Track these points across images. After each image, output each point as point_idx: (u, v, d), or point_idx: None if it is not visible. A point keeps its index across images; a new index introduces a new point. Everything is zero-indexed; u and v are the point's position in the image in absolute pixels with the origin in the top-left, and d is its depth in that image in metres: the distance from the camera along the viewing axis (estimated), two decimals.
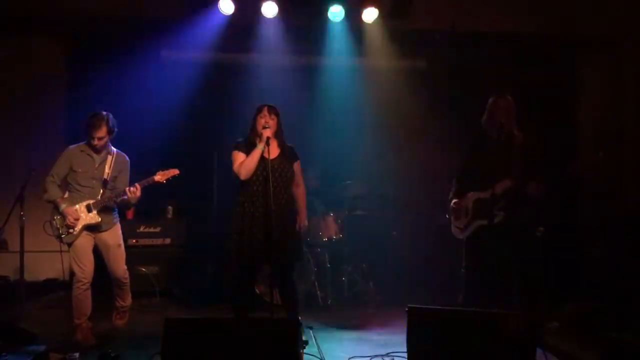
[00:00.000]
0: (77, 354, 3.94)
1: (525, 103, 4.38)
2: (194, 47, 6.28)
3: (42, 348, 3.54)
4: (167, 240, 6.16)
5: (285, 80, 6.28)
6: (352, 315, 5.34)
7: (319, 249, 5.91)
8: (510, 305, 4.05)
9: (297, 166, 4.37)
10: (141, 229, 6.11)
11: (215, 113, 6.49)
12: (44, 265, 6.24)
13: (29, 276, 6.24)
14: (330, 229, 5.89)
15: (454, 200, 4.40)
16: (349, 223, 6.04)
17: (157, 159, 5.69)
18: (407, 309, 3.49)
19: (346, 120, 6.44)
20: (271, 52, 6.33)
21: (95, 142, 4.38)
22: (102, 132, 4.36)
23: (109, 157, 4.53)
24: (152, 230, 6.13)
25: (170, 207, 6.32)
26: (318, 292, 5.68)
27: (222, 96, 6.52)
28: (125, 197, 4.39)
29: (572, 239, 6.30)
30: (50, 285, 6.25)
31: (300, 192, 4.43)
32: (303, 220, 4.41)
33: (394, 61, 6.60)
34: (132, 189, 4.37)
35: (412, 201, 6.51)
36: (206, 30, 6.18)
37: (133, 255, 5.78)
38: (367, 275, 6.02)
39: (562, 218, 5.96)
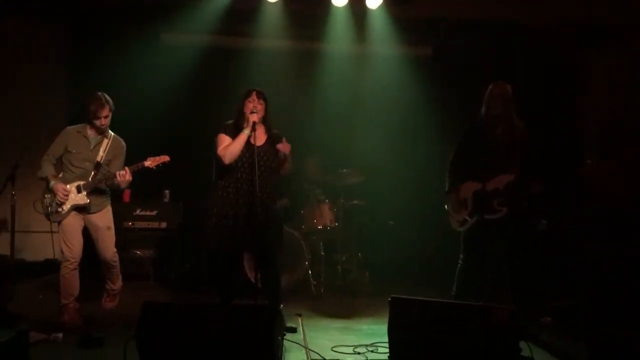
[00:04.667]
0: (60, 335, 3.96)
1: (530, 93, 4.29)
2: (195, 30, 6.23)
3: (23, 328, 3.53)
4: (163, 224, 6.15)
5: (286, 66, 6.23)
6: (343, 305, 5.29)
7: (314, 237, 5.86)
8: (501, 299, 4.00)
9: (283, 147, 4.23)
10: (137, 212, 6.11)
11: (215, 98, 6.43)
12: (44, 245, 6.26)
13: (30, 256, 6.35)
14: (326, 217, 5.83)
15: (451, 193, 4.33)
16: (345, 212, 5.97)
17: (156, 143, 5.71)
18: (389, 299, 3.44)
19: (346, 108, 6.39)
20: (273, 36, 6.25)
21: (102, 122, 4.40)
22: (106, 110, 4.40)
23: (105, 141, 4.54)
24: (148, 213, 6.13)
25: (167, 191, 6.32)
26: (311, 280, 5.63)
27: (223, 81, 6.46)
28: (116, 180, 4.37)
29: (574, 233, 6.17)
30: (51, 265, 6.28)
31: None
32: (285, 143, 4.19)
33: (398, 49, 6.50)
34: (122, 172, 4.36)
35: (412, 191, 6.43)
36: (207, 14, 6.11)
37: (128, 238, 5.89)
38: (361, 265, 5.96)
39: (564, 211, 5.85)
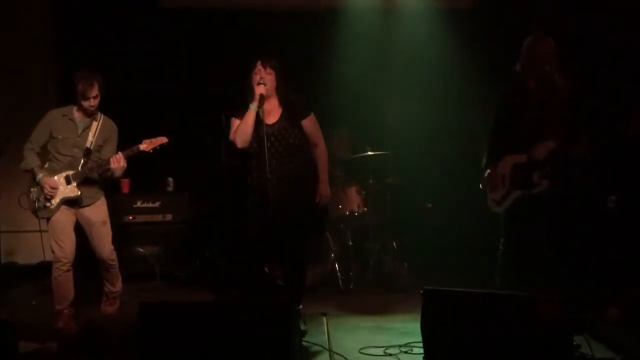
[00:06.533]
0: (54, 344, 4.08)
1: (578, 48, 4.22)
2: None
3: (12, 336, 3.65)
4: (168, 217, 6.26)
5: (299, 28, 6.22)
6: (375, 301, 5.33)
7: (340, 225, 5.89)
8: (554, 289, 3.98)
9: (308, 123, 4.29)
10: (138, 204, 6.22)
11: (222, 69, 6.49)
12: (38, 246, 6.44)
13: (22, 259, 6.53)
14: (353, 202, 5.84)
15: (488, 169, 4.30)
16: (376, 194, 5.98)
17: (154, 124, 5.80)
18: (421, 291, 3.47)
19: (371, 74, 6.35)
20: None
21: (91, 102, 4.46)
22: (95, 89, 4.45)
23: (94, 124, 4.60)
24: (150, 205, 6.24)
25: (170, 180, 6.42)
26: (339, 275, 5.67)
27: (230, 49, 6.49)
28: (110, 167, 4.46)
29: None
30: (46, 268, 6.45)
31: (319, 152, 4.35)
32: (324, 190, 4.33)
33: (430, 1, 6.46)
34: (116, 157, 4.43)
35: (453, 169, 6.40)
36: None
37: (130, 233, 6.02)
38: (397, 255, 5.98)
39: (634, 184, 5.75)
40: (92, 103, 4.48)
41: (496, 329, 3.23)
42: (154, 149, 4.45)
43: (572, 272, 4.19)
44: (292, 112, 4.27)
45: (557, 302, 3.22)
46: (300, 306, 4.34)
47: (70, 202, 4.53)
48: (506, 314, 3.25)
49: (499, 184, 4.26)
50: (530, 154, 4.05)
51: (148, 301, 3.37)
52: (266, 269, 5.36)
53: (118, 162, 4.43)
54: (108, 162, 4.45)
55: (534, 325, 3.17)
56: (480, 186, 4.42)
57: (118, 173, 4.51)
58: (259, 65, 4.21)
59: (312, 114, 4.30)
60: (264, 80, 4.17)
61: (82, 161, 4.53)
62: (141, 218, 6.21)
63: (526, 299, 3.26)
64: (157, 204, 6.25)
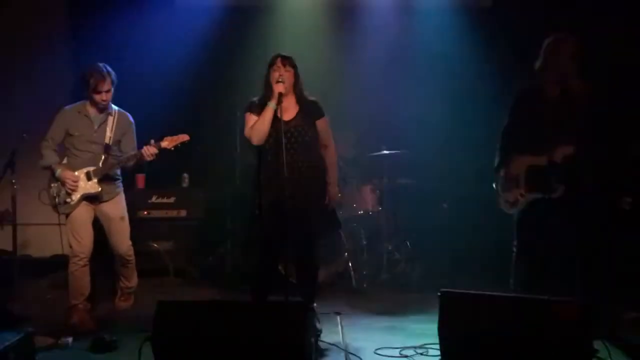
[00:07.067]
0: (70, 339, 4.11)
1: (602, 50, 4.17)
2: None
3: (29, 331, 3.68)
4: (183, 212, 6.27)
5: (315, 25, 6.23)
6: (388, 301, 5.33)
7: (354, 224, 5.89)
8: (570, 293, 3.95)
9: (322, 124, 4.32)
10: (153, 199, 6.24)
11: (237, 65, 6.51)
12: (51, 239, 6.47)
13: (35, 252, 6.57)
14: (367, 201, 5.87)
15: (502, 168, 4.28)
16: (390, 194, 5.99)
17: (171, 119, 5.85)
18: (438, 293, 3.46)
19: (387, 75, 6.34)
20: None
21: (103, 96, 4.46)
22: (107, 84, 4.45)
23: (110, 119, 4.61)
24: (165, 200, 6.25)
25: (186, 175, 6.43)
26: (352, 274, 5.68)
27: (245, 46, 6.52)
28: (142, 158, 4.44)
29: None
30: (59, 261, 6.49)
31: (329, 154, 4.38)
32: (333, 192, 4.35)
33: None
34: (147, 147, 4.41)
35: (469, 168, 6.37)
36: None
37: (144, 229, 6.01)
38: (411, 255, 5.97)
39: None
40: (105, 97, 4.48)
41: (514, 333, 3.22)
42: (176, 146, 4.45)
43: (589, 276, 4.15)
44: (308, 111, 4.28)
45: (575, 306, 3.20)
46: (314, 304, 4.34)
47: (90, 198, 4.55)
48: (524, 318, 3.24)
49: (512, 185, 4.23)
50: (551, 157, 4.02)
51: (165, 300, 3.38)
52: (280, 267, 5.40)
53: (151, 150, 4.41)
54: (138, 154, 4.45)
55: (552, 329, 3.16)
56: (494, 186, 4.39)
57: (150, 158, 4.46)
58: (278, 62, 4.20)
59: (325, 115, 4.33)
60: (282, 78, 4.16)
61: (102, 157, 4.54)
62: (156, 213, 6.22)
63: (544, 303, 3.25)
64: (172, 200, 6.26)
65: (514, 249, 4.27)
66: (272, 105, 4.13)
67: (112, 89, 4.51)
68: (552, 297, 3.28)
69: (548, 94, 4.07)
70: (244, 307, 3.48)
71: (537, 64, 4.14)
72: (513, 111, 4.25)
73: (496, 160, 4.33)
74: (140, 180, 6.30)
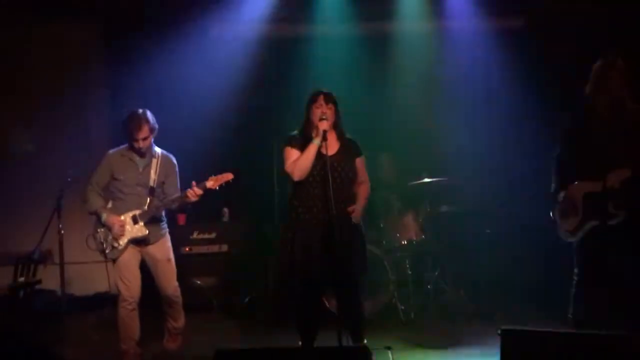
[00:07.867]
0: None
1: None
2: (246, 21, 6.38)
3: None
4: (224, 247, 6.29)
5: (350, 54, 6.25)
6: (438, 332, 5.28)
7: (398, 254, 5.85)
8: (636, 326, 3.84)
9: (360, 162, 4.35)
10: (195, 236, 6.27)
11: (272, 97, 6.53)
12: (93, 277, 6.49)
13: (77, 290, 6.59)
14: (410, 230, 5.82)
15: (560, 195, 4.20)
16: (433, 221, 5.94)
17: (208, 154, 5.88)
18: (499, 331, 3.38)
19: (426, 101, 6.32)
20: (333, 20, 6.33)
21: (140, 144, 4.46)
22: (145, 131, 4.45)
23: (154, 161, 4.62)
24: (207, 236, 6.28)
25: (226, 210, 6.45)
26: (399, 305, 5.63)
27: (280, 77, 6.55)
28: (187, 200, 4.43)
29: None
30: (101, 298, 6.51)
31: (363, 188, 4.38)
32: (357, 209, 4.27)
33: (482, 22, 6.40)
34: (192, 190, 4.39)
35: (511, 193, 6.31)
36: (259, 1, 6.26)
37: (186, 265, 5.97)
38: (456, 283, 5.91)
39: None
40: (142, 144, 4.47)
41: None
42: (220, 185, 4.44)
43: None
44: (348, 148, 4.30)
45: None
46: (365, 341, 4.28)
47: (137, 241, 4.54)
48: (596, 356, 3.14)
49: (570, 213, 4.15)
50: (606, 182, 3.95)
51: (222, 348, 3.35)
52: (325, 301, 5.36)
53: (195, 193, 4.39)
54: (183, 196, 4.44)
55: None
56: (551, 215, 4.31)
57: (194, 199, 4.44)
58: (320, 100, 4.21)
59: (362, 155, 4.36)
60: (325, 115, 4.16)
61: (147, 199, 4.54)
62: (198, 249, 6.25)
63: (619, 338, 3.14)
64: (213, 235, 6.29)
65: (575, 277, 4.18)
66: (316, 142, 4.12)
67: (151, 135, 4.52)
68: (629, 332, 3.18)
69: (600, 117, 4.01)
70: (304, 355, 3.43)
71: (588, 89, 4.09)
72: (565, 136, 4.19)
73: (552, 187, 4.26)
74: (181, 217, 6.31)
